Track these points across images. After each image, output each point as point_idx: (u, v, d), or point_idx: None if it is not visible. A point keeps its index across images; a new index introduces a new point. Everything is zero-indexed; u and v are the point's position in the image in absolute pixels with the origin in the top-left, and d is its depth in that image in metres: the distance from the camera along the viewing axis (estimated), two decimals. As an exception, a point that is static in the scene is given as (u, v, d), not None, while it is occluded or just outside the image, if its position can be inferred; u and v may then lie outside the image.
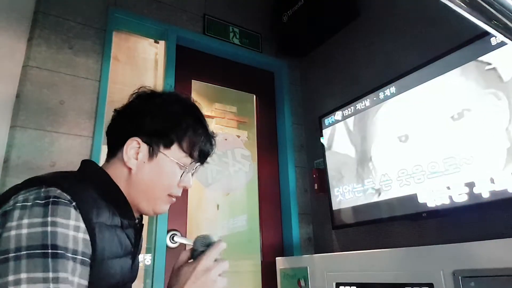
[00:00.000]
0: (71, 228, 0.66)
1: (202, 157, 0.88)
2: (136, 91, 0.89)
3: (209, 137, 0.89)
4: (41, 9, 1.80)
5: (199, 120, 0.88)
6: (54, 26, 1.81)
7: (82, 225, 0.67)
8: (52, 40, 1.79)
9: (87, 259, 0.68)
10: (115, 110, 0.88)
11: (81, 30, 1.89)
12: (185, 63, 2.29)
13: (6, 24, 1.71)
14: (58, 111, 1.72)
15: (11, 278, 0.58)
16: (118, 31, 2.10)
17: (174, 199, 0.87)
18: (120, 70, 2.15)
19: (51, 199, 0.66)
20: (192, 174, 0.90)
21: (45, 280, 0.60)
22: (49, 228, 0.63)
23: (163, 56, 2.20)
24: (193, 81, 2.33)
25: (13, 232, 0.62)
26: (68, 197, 0.68)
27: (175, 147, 0.83)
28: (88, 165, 0.84)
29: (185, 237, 1.97)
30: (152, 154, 0.82)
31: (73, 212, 0.67)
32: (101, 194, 0.75)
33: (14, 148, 1.57)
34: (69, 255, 0.64)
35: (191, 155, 0.85)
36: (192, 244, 0.82)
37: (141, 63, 2.27)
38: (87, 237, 0.68)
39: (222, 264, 0.78)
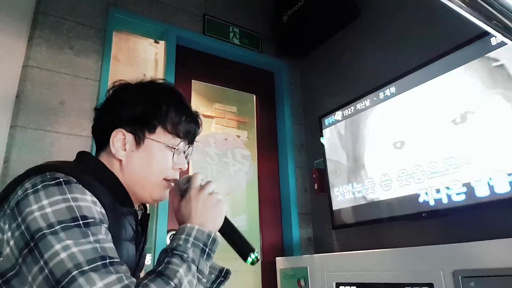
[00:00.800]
0: (90, 202, 0.68)
1: (189, 136, 0.88)
2: (111, 86, 0.89)
3: (193, 116, 0.89)
4: (41, 9, 1.80)
5: (179, 101, 0.88)
6: (54, 26, 1.82)
7: (96, 200, 0.70)
8: (52, 40, 1.79)
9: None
10: (95, 109, 0.89)
11: (81, 30, 1.89)
12: (185, 63, 2.29)
13: (6, 24, 1.71)
14: (58, 111, 1.72)
15: (58, 247, 0.59)
16: (118, 31, 2.10)
17: (172, 184, 0.87)
18: (120, 70, 2.14)
19: (61, 179, 0.67)
20: (186, 157, 0.90)
21: (89, 243, 0.62)
22: (72, 203, 0.65)
23: (163, 56, 2.20)
24: (193, 81, 2.34)
25: (37, 213, 0.62)
26: (74, 180, 0.69)
27: (159, 131, 0.83)
28: (84, 155, 0.84)
29: None
30: (138, 142, 0.82)
31: (86, 190, 0.69)
32: (100, 181, 0.76)
33: (14, 148, 1.58)
34: (98, 222, 0.66)
35: (177, 135, 0.85)
36: None
37: (141, 63, 2.26)
38: (104, 211, 0.70)
39: (209, 183, 0.84)
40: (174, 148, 0.84)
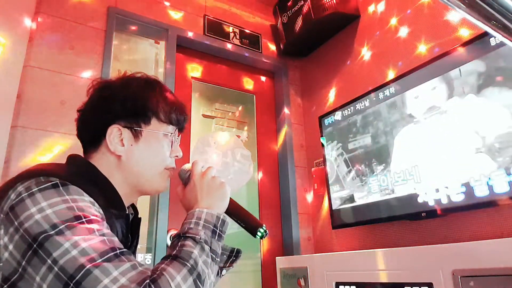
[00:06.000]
0: (88, 202, 0.68)
1: (180, 123, 0.90)
2: (90, 86, 0.87)
3: (180, 103, 0.90)
4: (42, 9, 1.81)
5: (165, 90, 0.89)
6: (55, 27, 1.82)
7: (94, 201, 0.70)
8: (53, 40, 1.79)
9: None
10: (78, 111, 0.87)
11: (82, 30, 1.89)
12: (185, 63, 2.30)
13: (7, 24, 1.71)
14: (59, 112, 1.72)
15: (67, 244, 0.59)
16: (119, 31, 2.11)
17: (171, 173, 0.88)
18: (121, 70, 2.15)
19: (57, 182, 0.67)
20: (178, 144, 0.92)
21: (97, 237, 0.62)
22: (72, 204, 0.65)
23: (163, 56, 2.20)
24: (193, 81, 2.34)
25: (38, 216, 0.62)
26: (68, 183, 0.69)
27: (154, 121, 0.84)
28: (74, 158, 0.83)
29: None
30: (136, 135, 0.82)
31: (83, 191, 0.69)
32: (92, 184, 0.75)
33: (15, 148, 1.58)
34: (100, 219, 0.67)
35: (171, 123, 0.87)
36: None
37: (141, 63, 2.27)
38: (102, 212, 0.70)
39: (210, 168, 0.86)
40: (171, 136, 0.86)
